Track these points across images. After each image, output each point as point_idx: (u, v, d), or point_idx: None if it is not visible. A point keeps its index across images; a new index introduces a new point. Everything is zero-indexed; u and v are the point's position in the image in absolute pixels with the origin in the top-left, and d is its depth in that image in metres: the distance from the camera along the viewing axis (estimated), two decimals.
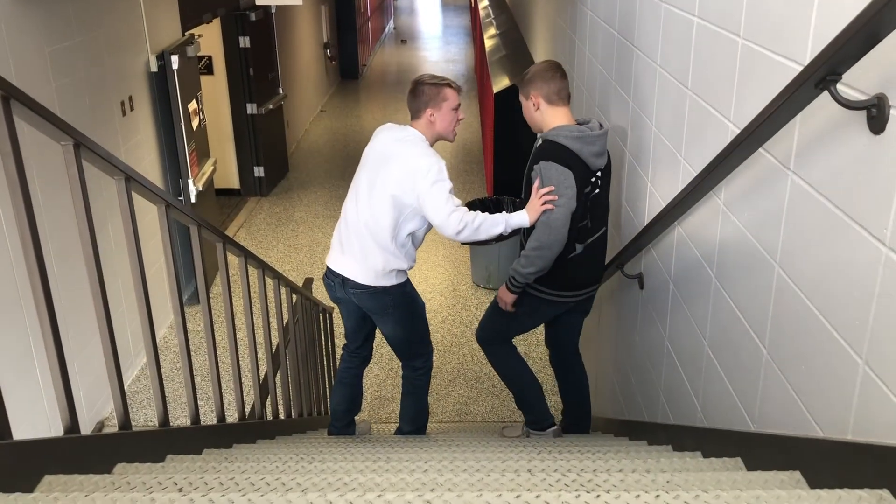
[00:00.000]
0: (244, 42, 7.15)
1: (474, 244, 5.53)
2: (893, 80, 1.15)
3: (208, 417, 2.56)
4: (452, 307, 5.64)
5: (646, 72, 2.64)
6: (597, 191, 2.74)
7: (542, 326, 3.22)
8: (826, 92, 1.26)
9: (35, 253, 1.48)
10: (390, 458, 1.99)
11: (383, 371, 4.80)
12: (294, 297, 3.55)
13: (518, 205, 3.06)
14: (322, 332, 4.19)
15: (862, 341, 1.25)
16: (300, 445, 2.60)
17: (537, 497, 1.21)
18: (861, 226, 1.24)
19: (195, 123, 5.40)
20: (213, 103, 7.07)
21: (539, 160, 2.65)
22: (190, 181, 5.19)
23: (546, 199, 2.61)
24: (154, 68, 4.89)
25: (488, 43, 8.82)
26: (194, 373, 2.22)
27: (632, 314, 2.93)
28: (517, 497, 1.21)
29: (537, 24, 6.80)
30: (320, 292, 5.37)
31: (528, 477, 1.45)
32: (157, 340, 2.09)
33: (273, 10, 7.87)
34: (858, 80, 1.24)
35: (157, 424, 2.02)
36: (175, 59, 4.90)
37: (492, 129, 6.83)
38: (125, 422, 1.79)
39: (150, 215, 2.42)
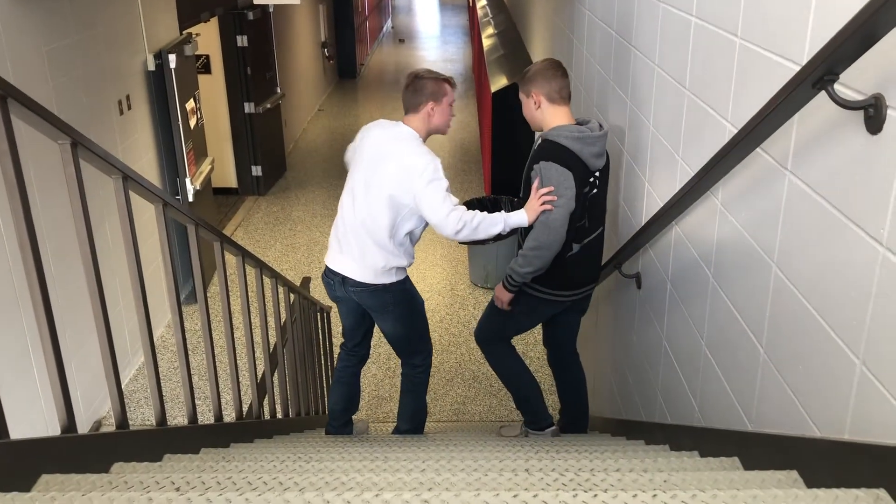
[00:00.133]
0: (242, 41, 7.14)
1: (472, 244, 5.53)
2: (890, 79, 1.16)
3: (206, 417, 2.56)
4: (450, 306, 5.64)
5: (643, 71, 2.64)
6: (595, 191, 2.74)
7: (539, 326, 3.22)
8: (823, 92, 1.26)
9: (32, 252, 1.48)
10: (388, 458, 1.99)
11: (381, 370, 4.80)
12: (292, 296, 3.54)
13: (516, 204, 3.06)
14: (320, 331, 4.19)
15: (859, 341, 1.25)
16: (298, 445, 2.60)
17: (535, 496, 1.21)
18: (858, 226, 1.24)
19: (193, 122, 5.40)
20: (211, 102, 7.06)
21: (539, 160, 2.65)
22: (187, 180, 5.18)
23: (545, 200, 2.61)
24: (152, 67, 4.88)
25: (486, 42, 8.82)
26: (192, 372, 2.22)
27: (629, 314, 2.93)
28: (514, 496, 1.21)
29: (535, 24, 6.80)
30: (318, 292, 5.37)
31: (526, 476, 1.46)
32: (155, 339, 2.08)
33: (271, 10, 7.86)
34: (856, 80, 1.24)
35: (154, 424, 2.02)
36: (173, 57, 4.89)
37: (489, 129, 6.84)
38: (122, 421, 1.79)
39: (147, 214, 2.42)
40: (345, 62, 13.60)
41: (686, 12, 2.14)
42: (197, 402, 2.23)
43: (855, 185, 1.26)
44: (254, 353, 2.81)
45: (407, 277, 2.99)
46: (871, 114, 1.18)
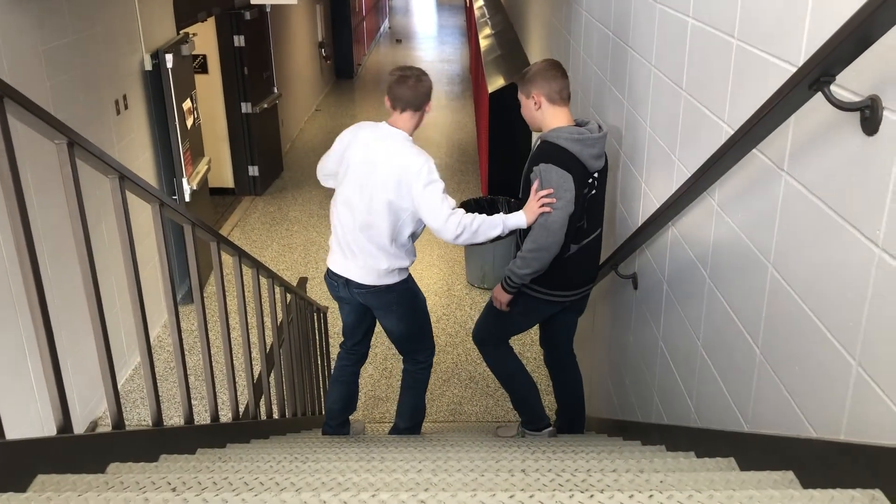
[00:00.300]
0: (239, 41, 7.13)
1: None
2: (887, 81, 1.16)
3: (202, 417, 2.56)
4: (447, 307, 5.65)
5: (640, 72, 2.64)
6: (594, 192, 2.74)
7: (536, 326, 3.22)
8: (820, 93, 1.26)
9: (28, 252, 1.48)
10: (385, 458, 1.99)
11: (377, 371, 4.80)
12: (288, 296, 3.54)
13: (513, 205, 3.06)
14: (316, 331, 4.19)
15: (855, 342, 1.25)
16: (294, 445, 2.60)
17: (531, 497, 1.21)
18: (854, 227, 1.25)
19: (189, 122, 5.39)
20: (208, 102, 7.05)
21: (539, 162, 2.64)
22: (184, 180, 5.17)
23: (544, 202, 2.61)
24: (148, 67, 4.88)
25: (483, 43, 8.82)
26: (188, 372, 2.22)
27: (626, 314, 2.93)
28: (511, 497, 1.22)
29: (532, 25, 6.80)
30: (314, 292, 5.36)
31: (522, 477, 1.46)
32: (151, 340, 2.08)
33: (268, 9, 7.85)
34: (852, 82, 1.25)
35: (150, 424, 2.02)
36: (169, 57, 4.89)
37: (487, 129, 6.84)
38: (119, 421, 1.79)
39: (144, 214, 2.42)
40: (342, 62, 13.60)
41: (683, 13, 2.14)
42: (193, 402, 2.23)
43: (851, 186, 1.26)
44: (250, 353, 2.81)
45: (410, 276, 3.00)
46: (868, 115, 1.19)
